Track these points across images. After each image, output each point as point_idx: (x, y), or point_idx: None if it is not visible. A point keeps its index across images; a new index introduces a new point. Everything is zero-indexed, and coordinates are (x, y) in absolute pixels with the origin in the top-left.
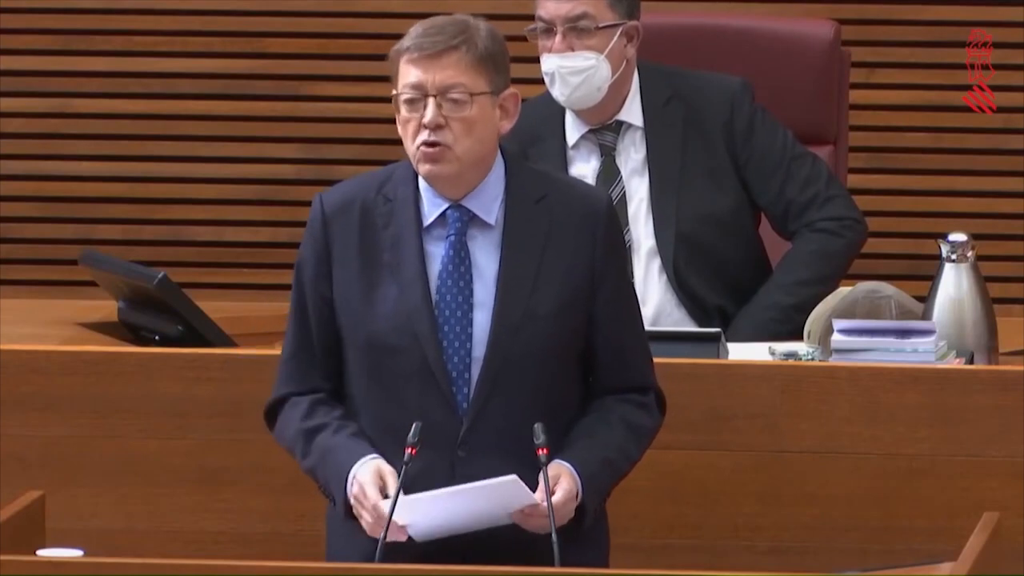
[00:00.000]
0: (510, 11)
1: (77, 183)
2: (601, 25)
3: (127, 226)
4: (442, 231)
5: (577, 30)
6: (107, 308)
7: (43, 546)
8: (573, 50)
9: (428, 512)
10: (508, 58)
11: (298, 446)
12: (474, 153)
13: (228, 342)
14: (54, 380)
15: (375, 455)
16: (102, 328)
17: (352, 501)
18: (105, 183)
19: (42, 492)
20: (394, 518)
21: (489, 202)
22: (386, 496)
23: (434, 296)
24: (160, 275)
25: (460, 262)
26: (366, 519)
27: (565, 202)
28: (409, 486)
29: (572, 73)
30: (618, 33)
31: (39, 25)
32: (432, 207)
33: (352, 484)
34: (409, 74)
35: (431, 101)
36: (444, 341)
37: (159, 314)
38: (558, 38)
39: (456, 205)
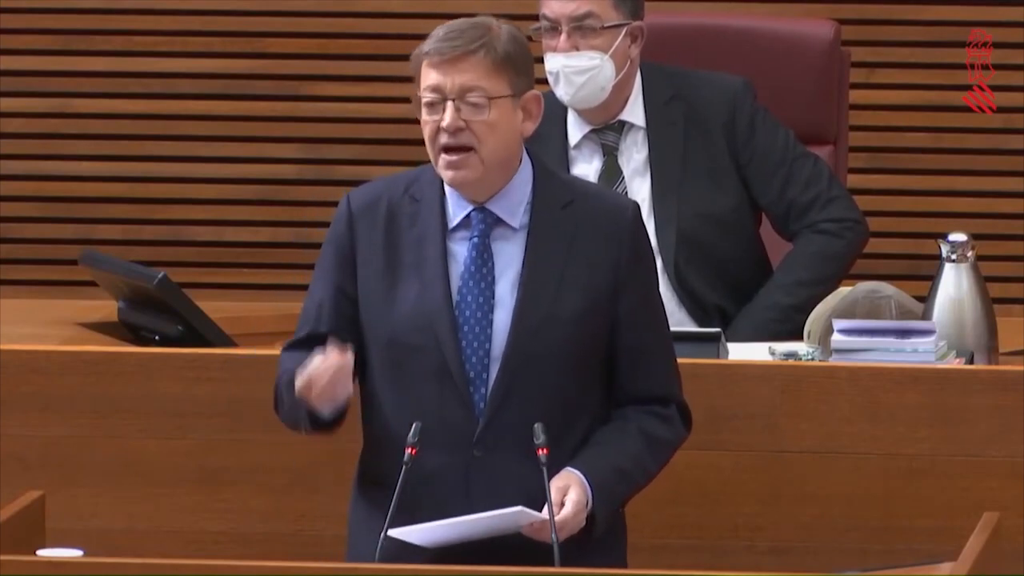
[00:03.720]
0: (511, 11)
1: (77, 183)
2: (606, 25)
3: (127, 226)
4: (466, 232)
5: (582, 29)
6: (107, 308)
7: (43, 546)
8: (578, 49)
9: (436, 532)
10: (531, 59)
11: (283, 407)
12: (496, 156)
13: (228, 342)
14: (54, 380)
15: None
16: (102, 328)
17: (299, 392)
18: (105, 183)
19: (42, 492)
20: (400, 536)
21: (514, 206)
22: None
23: (455, 296)
24: (160, 275)
25: (483, 263)
26: (305, 386)
27: (592, 208)
28: (424, 485)
29: (576, 72)
30: (623, 33)
31: (39, 25)
32: (457, 209)
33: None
34: (429, 77)
35: (450, 104)
36: (463, 341)
37: (159, 314)
38: (563, 37)
39: (480, 207)
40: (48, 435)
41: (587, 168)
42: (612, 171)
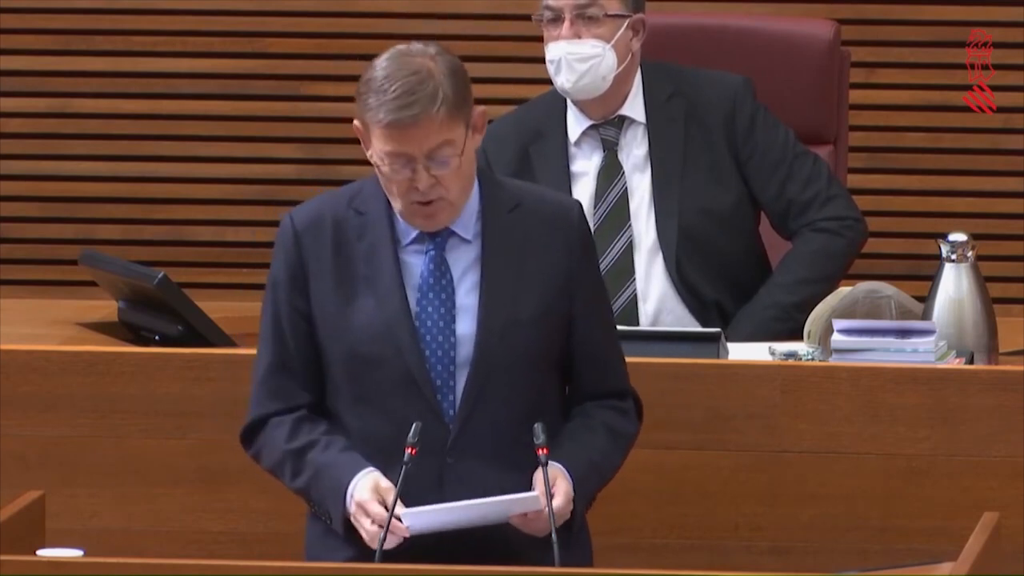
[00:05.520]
0: (510, 11)
1: (77, 183)
2: (609, 13)
3: (127, 226)
4: (419, 246)
5: (585, 18)
6: (107, 308)
7: (43, 546)
8: (580, 38)
9: (433, 515)
10: (469, 81)
11: (287, 466)
12: (466, 192)
13: (228, 342)
14: (54, 380)
15: (371, 469)
16: (102, 328)
17: (352, 512)
18: (105, 183)
19: (42, 492)
20: (407, 516)
21: (467, 218)
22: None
23: (414, 307)
24: (160, 275)
25: (441, 276)
26: (368, 529)
27: (538, 210)
28: (400, 493)
29: (579, 60)
30: (625, 25)
31: (39, 25)
32: (408, 227)
33: (350, 501)
34: (388, 143)
35: (420, 167)
36: (427, 350)
37: (159, 314)
38: (566, 24)
39: None
40: (48, 435)
41: (587, 164)
42: (612, 166)
